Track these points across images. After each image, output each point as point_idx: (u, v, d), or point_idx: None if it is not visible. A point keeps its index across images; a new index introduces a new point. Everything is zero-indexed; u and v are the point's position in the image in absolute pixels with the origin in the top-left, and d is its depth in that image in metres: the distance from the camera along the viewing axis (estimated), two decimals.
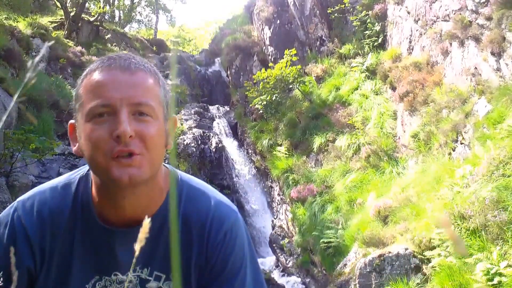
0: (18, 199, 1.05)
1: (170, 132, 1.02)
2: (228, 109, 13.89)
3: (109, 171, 0.91)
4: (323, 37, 11.26)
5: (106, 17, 19.41)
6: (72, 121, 1.02)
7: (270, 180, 10.10)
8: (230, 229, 1.07)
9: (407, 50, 8.37)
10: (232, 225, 1.08)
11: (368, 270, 4.68)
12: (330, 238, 6.35)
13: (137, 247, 0.45)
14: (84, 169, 1.09)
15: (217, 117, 13.21)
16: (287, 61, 9.76)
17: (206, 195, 1.11)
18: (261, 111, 10.52)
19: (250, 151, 11.29)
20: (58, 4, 14.99)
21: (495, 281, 3.34)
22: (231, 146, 11.60)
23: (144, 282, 1.04)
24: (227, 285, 1.04)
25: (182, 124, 11.19)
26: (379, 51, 9.24)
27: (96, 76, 0.94)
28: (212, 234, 1.05)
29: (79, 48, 13.04)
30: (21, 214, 1.01)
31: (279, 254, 8.11)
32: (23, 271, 0.98)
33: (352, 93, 9.12)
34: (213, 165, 10.52)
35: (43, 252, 1.00)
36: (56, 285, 1.00)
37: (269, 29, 12.73)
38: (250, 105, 10.94)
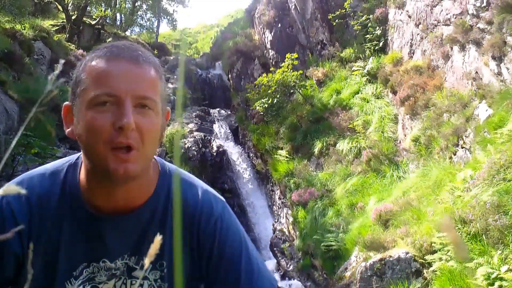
0: (6, 185, 1.04)
1: (164, 125, 1.04)
2: (229, 112, 13.89)
3: (106, 162, 0.91)
4: (324, 41, 11.29)
5: (108, 21, 19.46)
6: (67, 102, 1.01)
7: (271, 184, 10.09)
8: (220, 216, 1.09)
9: (408, 54, 8.39)
10: (221, 212, 1.10)
11: (369, 274, 4.67)
12: (331, 242, 6.34)
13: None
14: (73, 157, 1.10)
15: (218, 120, 13.22)
16: (288, 64, 9.78)
17: (193, 186, 1.13)
18: (262, 114, 10.53)
19: (251, 155, 11.29)
20: (59, 7, 15.05)
21: (496, 285, 3.34)
22: (232, 149, 11.60)
23: (131, 270, 1.04)
24: (232, 271, 1.05)
25: (183, 128, 11.20)
26: (380, 55, 9.26)
27: (103, 64, 0.94)
28: (203, 224, 1.07)
29: (80, 51, 13.05)
30: (10, 200, 1.00)
31: (280, 258, 8.10)
32: (11, 256, 0.98)
33: (353, 97, 9.13)
34: (214, 169, 10.52)
35: (30, 238, 1.00)
36: (44, 272, 1.00)
37: (270, 32, 12.76)
38: (251, 108, 10.96)
